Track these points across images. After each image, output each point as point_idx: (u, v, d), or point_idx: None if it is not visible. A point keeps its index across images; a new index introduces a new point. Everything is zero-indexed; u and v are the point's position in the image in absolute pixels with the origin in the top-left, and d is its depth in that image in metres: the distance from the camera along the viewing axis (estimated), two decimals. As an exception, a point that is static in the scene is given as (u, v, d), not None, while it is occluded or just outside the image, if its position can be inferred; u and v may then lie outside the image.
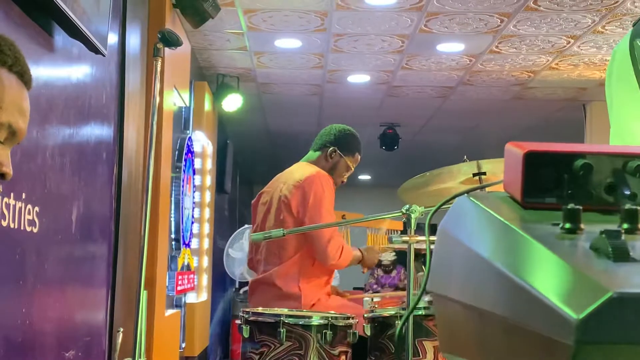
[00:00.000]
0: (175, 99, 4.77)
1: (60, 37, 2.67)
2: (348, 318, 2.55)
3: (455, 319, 0.65)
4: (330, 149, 3.48)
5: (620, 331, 0.45)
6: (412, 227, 2.29)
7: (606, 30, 5.44)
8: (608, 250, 0.51)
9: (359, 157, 3.58)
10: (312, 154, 3.57)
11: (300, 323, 2.46)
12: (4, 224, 2.14)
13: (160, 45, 2.26)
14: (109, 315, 3.42)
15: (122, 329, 2.32)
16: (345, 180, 3.56)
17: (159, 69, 2.30)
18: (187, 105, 5.36)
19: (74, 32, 2.66)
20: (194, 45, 5.77)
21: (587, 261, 0.51)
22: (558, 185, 0.62)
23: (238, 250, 7.09)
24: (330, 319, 2.48)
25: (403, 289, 10.62)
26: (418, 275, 3.42)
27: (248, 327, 2.50)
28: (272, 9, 5.11)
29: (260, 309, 2.62)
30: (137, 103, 3.88)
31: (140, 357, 1.98)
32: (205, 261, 6.60)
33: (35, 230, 2.43)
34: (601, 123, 7.70)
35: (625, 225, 0.56)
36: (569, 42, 5.74)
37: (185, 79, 5.12)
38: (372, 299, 2.83)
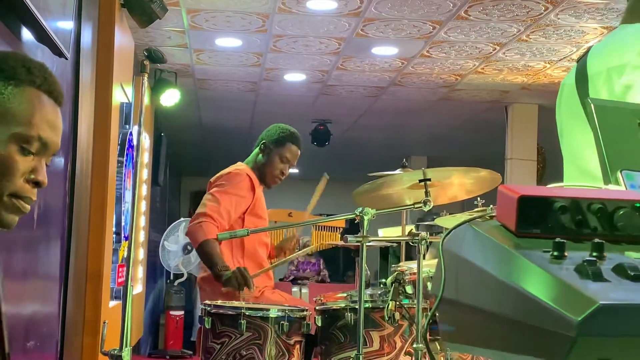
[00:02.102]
0: (120, 94, 4.87)
1: (29, 41, 2.78)
2: (302, 310, 2.76)
3: (464, 317, 0.87)
4: (262, 143, 3.69)
5: (604, 328, 0.70)
6: (365, 228, 2.52)
7: (530, 39, 5.80)
8: (589, 273, 0.75)
9: (295, 148, 3.72)
10: (252, 154, 3.77)
11: (259, 315, 2.67)
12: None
13: (146, 62, 2.41)
14: (62, 307, 3.54)
15: (107, 321, 2.47)
16: (285, 172, 3.73)
17: (145, 84, 2.45)
18: (129, 101, 5.46)
19: (42, 37, 2.78)
20: (136, 41, 5.85)
21: (574, 280, 0.75)
22: (542, 220, 0.86)
23: (173, 243, 7.21)
24: (286, 311, 2.70)
25: (323, 281, 10.92)
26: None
27: (210, 319, 2.68)
28: (215, 10, 5.26)
29: (220, 302, 2.81)
30: (89, 99, 3.99)
31: (126, 347, 2.14)
32: (141, 253, 6.70)
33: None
34: (520, 123, 8.16)
35: (594, 254, 0.81)
36: (495, 48, 6.08)
37: (129, 75, 5.22)
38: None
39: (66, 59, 3.03)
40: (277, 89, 7.58)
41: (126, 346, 2.15)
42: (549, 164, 8.60)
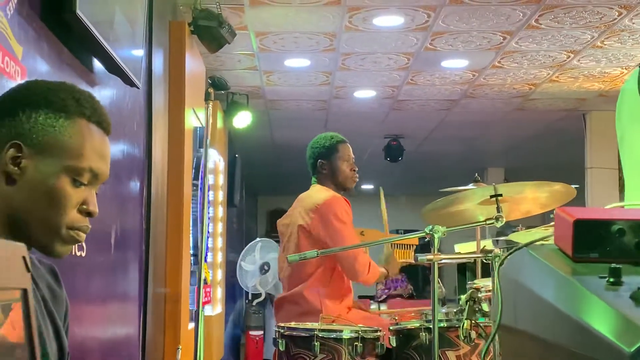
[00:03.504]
0: (193, 119, 4.96)
1: (100, 72, 2.87)
2: (376, 331, 2.74)
3: (522, 344, 0.84)
4: (319, 162, 3.65)
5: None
6: (436, 246, 2.49)
7: (605, 45, 5.65)
8: (644, 301, 0.73)
9: (344, 145, 3.70)
10: (314, 180, 3.72)
11: (333, 336, 2.66)
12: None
13: (211, 90, 2.46)
14: (142, 330, 3.62)
15: (180, 347, 2.51)
16: (355, 168, 3.69)
17: (210, 110, 2.50)
18: (202, 124, 5.55)
19: (114, 69, 2.86)
20: (207, 66, 5.96)
21: (629, 308, 0.72)
22: (600, 244, 0.82)
23: (250, 263, 7.27)
24: (360, 332, 2.68)
25: (408, 297, 10.79)
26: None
27: (284, 341, 2.68)
28: (283, 32, 5.31)
29: (293, 324, 2.81)
30: (162, 125, 4.08)
31: (199, 371, 2.17)
32: (219, 274, 6.78)
33: (83, 254, 2.62)
34: (600, 131, 7.93)
35: (651, 279, 0.77)
36: (569, 56, 5.94)
37: (201, 100, 5.30)
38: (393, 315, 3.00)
39: (138, 88, 3.11)
40: (347, 106, 7.59)
41: (199, 371, 2.17)
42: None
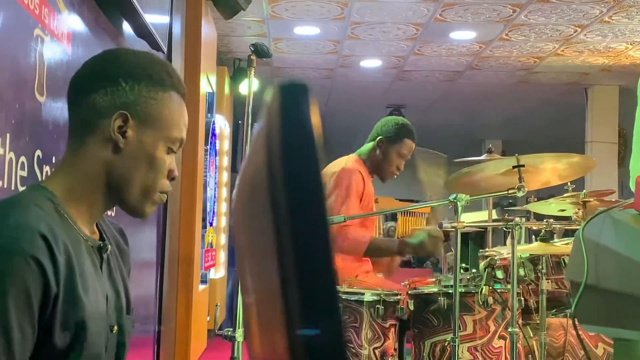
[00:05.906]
0: (205, 85, 4.99)
1: (130, 36, 2.90)
2: (396, 294, 2.82)
3: (607, 301, 0.91)
4: (378, 139, 3.64)
5: None
6: (459, 214, 2.56)
7: (612, 20, 5.70)
8: None
9: (410, 142, 3.63)
10: (366, 146, 3.71)
11: (354, 299, 2.74)
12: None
13: (253, 57, 2.51)
14: (158, 291, 3.70)
15: (219, 304, 2.58)
16: (401, 167, 3.66)
17: (252, 76, 2.55)
18: (213, 90, 5.59)
19: (143, 33, 2.90)
20: (217, 32, 5.97)
21: None
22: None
23: (254, 228, 7.32)
24: (381, 295, 2.76)
25: (405, 264, 10.88)
26: (447, 255, 3.70)
27: (307, 303, 2.75)
28: (296, -1, 5.33)
29: (315, 287, 2.88)
30: (178, 91, 4.11)
31: (239, 328, 2.24)
32: (223, 238, 6.86)
33: (112, 214, 2.68)
34: (601, 105, 8.01)
35: None
36: (576, 30, 5.99)
37: (213, 65, 5.35)
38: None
39: (163, 52, 3.15)
40: (352, 75, 7.63)
41: (239, 327, 2.25)
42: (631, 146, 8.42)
